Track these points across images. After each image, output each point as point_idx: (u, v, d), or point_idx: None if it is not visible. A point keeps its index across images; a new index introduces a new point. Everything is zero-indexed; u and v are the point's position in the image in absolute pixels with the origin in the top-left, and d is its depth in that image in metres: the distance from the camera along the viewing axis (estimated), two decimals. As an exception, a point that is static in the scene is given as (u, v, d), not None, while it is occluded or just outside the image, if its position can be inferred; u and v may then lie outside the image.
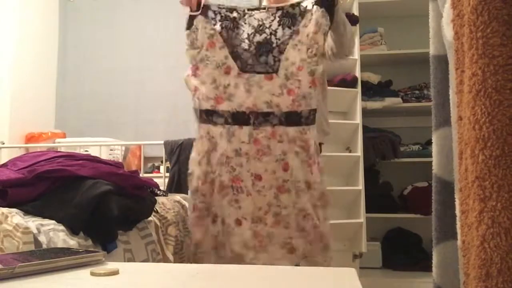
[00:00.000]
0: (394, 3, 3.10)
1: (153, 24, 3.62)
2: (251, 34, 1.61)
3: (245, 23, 1.62)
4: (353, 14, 2.76)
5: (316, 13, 1.55)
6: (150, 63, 3.57)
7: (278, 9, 1.61)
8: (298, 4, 1.60)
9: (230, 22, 1.62)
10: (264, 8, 1.63)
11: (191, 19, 1.61)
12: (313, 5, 1.57)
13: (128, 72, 3.58)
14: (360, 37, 2.92)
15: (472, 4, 0.66)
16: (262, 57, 1.59)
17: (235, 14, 1.62)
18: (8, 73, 3.22)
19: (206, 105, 1.61)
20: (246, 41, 1.61)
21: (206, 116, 1.62)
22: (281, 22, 1.60)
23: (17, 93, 3.26)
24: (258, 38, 1.60)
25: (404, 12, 3.25)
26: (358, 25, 2.77)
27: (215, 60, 1.59)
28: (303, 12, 1.58)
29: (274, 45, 1.59)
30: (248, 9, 1.63)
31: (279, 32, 1.59)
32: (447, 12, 0.83)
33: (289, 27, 1.59)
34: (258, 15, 1.62)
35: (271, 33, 1.60)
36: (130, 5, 3.66)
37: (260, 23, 1.61)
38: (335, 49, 1.72)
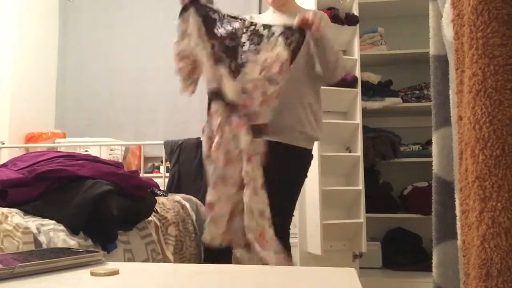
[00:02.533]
0: (394, 3, 3.10)
1: (153, 24, 3.62)
2: (223, 37, 1.69)
3: (221, 26, 1.70)
4: (353, 14, 2.76)
5: (279, 46, 1.63)
6: (150, 63, 3.56)
7: (251, 24, 1.69)
8: (270, 27, 1.67)
9: (211, 21, 1.69)
10: (240, 19, 1.71)
11: (184, 10, 1.68)
12: (279, 35, 1.64)
13: (128, 72, 3.58)
14: (360, 37, 2.92)
15: (472, 4, 0.66)
16: (229, 60, 1.66)
17: (216, 16, 1.70)
18: (8, 73, 3.22)
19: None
20: (218, 41, 1.69)
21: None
22: (250, 38, 1.68)
23: (17, 93, 3.26)
24: (228, 43, 1.68)
25: (404, 12, 3.25)
26: (358, 25, 2.77)
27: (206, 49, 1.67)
28: (270, 37, 1.66)
29: (239, 55, 1.66)
30: (228, 15, 1.71)
31: (246, 46, 1.67)
32: (447, 12, 0.83)
33: (255, 45, 1.66)
34: (233, 23, 1.70)
35: (239, 44, 1.68)
36: (130, 5, 3.66)
37: (233, 31, 1.69)
38: (320, 71, 1.79)
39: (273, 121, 1.76)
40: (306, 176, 1.90)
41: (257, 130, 1.64)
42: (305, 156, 1.86)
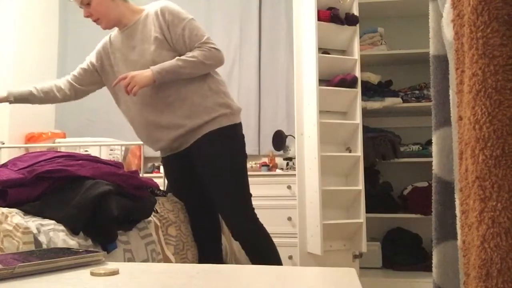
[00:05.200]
0: (394, 3, 3.10)
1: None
2: None
3: None
4: (353, 14, 2.76)
5: None
6: (150, 63, 3.55)
7: None
8: None
9: None
10: None
11: None
12: None
13: (128, 72, 3.57)
14: (360, 37, 2.92)
15: (472, 4, 0.66)
16: None
17: None
18: (8, 73, 3.22)
19: None
20: None
21: None
22: None
23: (17, 93, 3.25)
24: None
25: (404, 12, 3.25)
26: (358, 25, 2.77)
27: None
28: None
29: None
30: None
31: None
32: (447, 12, 0.83)
33: None
34: None
35: None
36: (130, 5, 3.65)
37: None
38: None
39: (174, 134, 1.79)
40: (238, 153, 1.83)
41: None
42: (218, 137, 1.78)
